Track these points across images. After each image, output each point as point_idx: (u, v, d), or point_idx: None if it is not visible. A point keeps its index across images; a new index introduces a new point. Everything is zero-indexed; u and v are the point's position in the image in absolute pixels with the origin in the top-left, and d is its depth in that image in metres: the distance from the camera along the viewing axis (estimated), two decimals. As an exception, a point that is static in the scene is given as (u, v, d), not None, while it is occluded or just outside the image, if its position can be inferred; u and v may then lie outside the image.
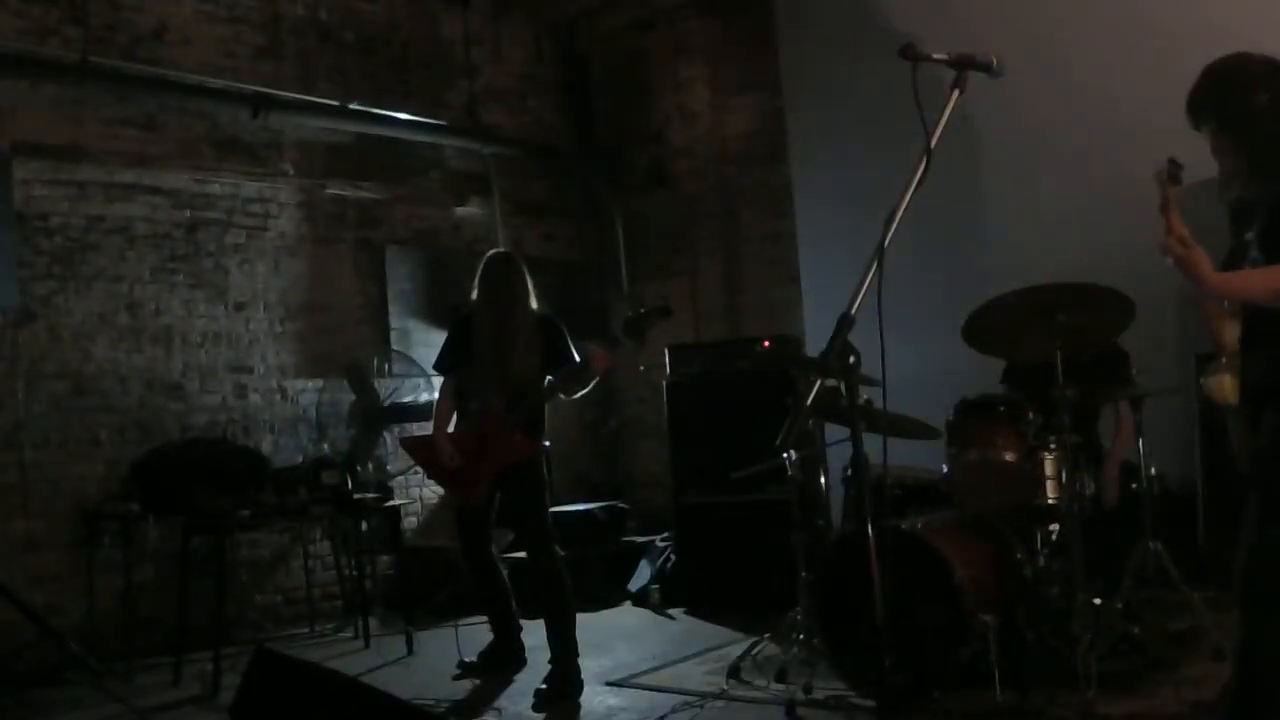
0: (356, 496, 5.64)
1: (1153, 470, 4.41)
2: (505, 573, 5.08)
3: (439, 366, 5.10)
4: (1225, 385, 2.73)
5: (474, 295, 4.91)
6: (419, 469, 5.81)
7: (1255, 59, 2.65)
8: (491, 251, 5.11)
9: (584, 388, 4.70)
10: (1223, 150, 2.66)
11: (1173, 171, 2.77)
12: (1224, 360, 2.78)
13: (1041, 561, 4.16)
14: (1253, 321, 2.62)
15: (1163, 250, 2.53)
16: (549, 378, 4.75)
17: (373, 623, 5.94)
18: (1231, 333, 2.77)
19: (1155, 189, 2.82)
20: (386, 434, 6.34)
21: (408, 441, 5.37)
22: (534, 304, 4.85)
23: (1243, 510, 2.53)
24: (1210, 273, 2.50)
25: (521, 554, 5.12)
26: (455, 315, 5.18)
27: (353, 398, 6.33)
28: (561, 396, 4.78)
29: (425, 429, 5.25)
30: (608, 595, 6.59)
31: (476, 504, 4.82)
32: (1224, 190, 2.69)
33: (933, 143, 2.26)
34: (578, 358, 4.72)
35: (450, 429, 4.88)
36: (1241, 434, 2.72)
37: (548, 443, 4.86)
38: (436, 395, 5.15)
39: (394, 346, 6.97)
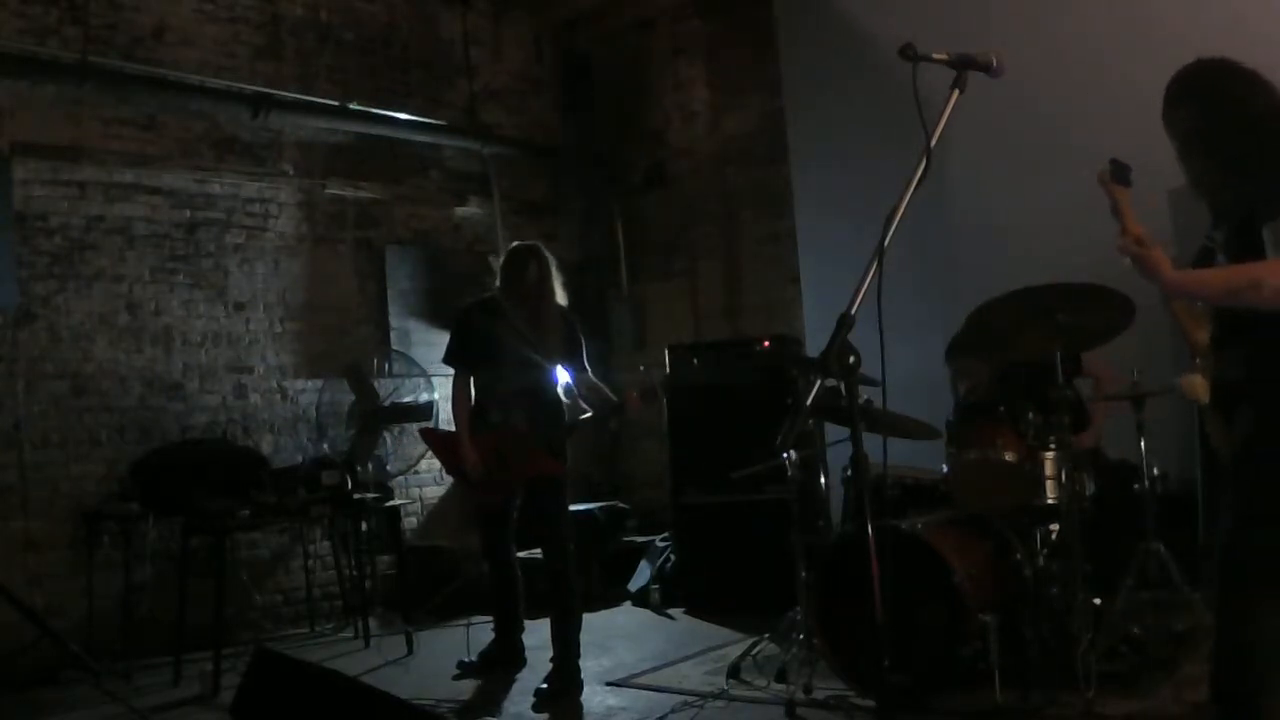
0: (356, 496, 5.63)
1: (1154, 470, 4.42)
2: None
3: (452, 360, 4.88)
4: (1197, 385, 2.74)
5: (498, 286, 4.78)
6: (440, 464, 5.74)
7: (1227, 66, 2.63)
8: (516, 243, 4.91)
9: (601, 418, 4.89)
10: (1193, 157, 2.62)
11: (1118, 173, 2.67)
12: (1197, 360, 2.77)
13: (1041, 561, 4.15)
14: (1222, 321, 2.60)
15: (1119, 250, 2.51)
16: (571, 404, 4.82)
17: (373, 623, 5.95)
18: (1201, 333, 2.77)
19: (1104, 194, 2.69)
20: (386, 434, 6.33)
21: (430, 435, 5.31)
22: (561, 299, 4.80)
23: (1221, 508, 2.54)
24: (1168, 271, 2.48)
25: (534, 551, 5.09)
26: (472, 302, 4.98)
27: (353, 398, 6.32)
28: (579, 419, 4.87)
29: (427, 429, 5.24)
30: (608, 595, 6.59)
31: (497, 506, 4.84)
32: (1196, 197, 2.66)
33: (932, 143, 2.25)
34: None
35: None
36: (1219, 432, 2.72)
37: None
38: (451, 392, 4.92)
39: (394, 346, 6.97)
